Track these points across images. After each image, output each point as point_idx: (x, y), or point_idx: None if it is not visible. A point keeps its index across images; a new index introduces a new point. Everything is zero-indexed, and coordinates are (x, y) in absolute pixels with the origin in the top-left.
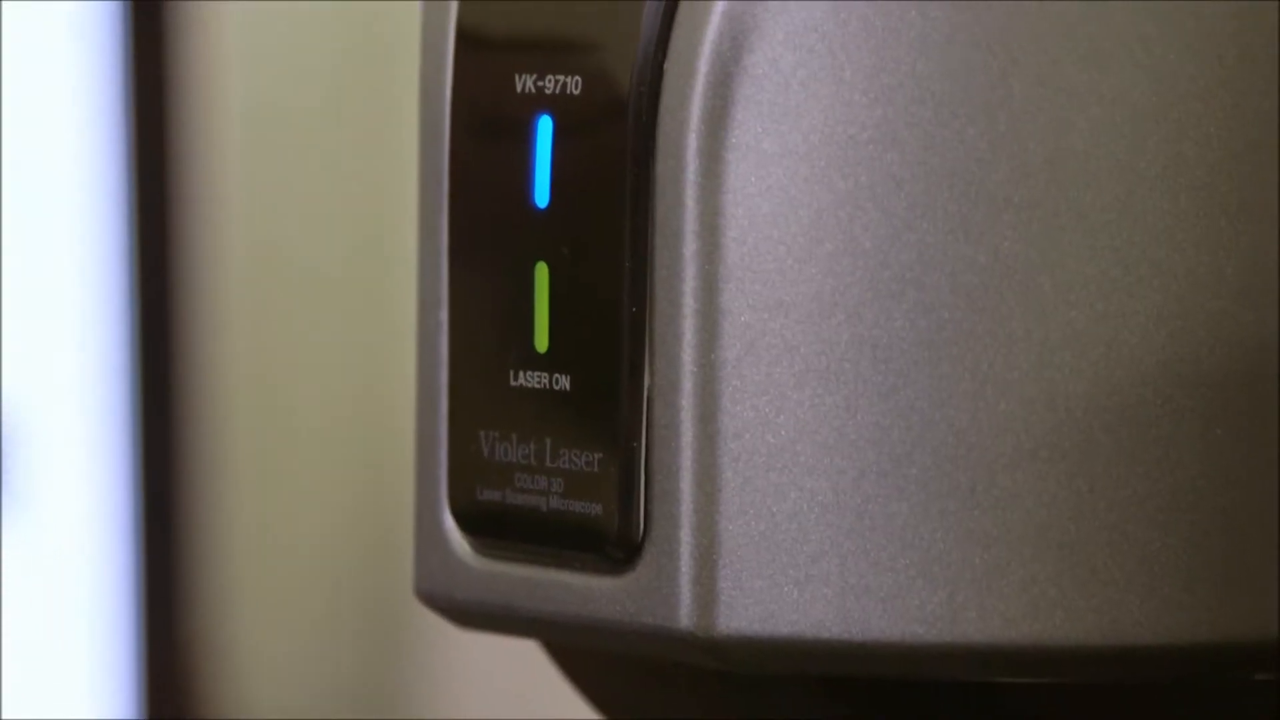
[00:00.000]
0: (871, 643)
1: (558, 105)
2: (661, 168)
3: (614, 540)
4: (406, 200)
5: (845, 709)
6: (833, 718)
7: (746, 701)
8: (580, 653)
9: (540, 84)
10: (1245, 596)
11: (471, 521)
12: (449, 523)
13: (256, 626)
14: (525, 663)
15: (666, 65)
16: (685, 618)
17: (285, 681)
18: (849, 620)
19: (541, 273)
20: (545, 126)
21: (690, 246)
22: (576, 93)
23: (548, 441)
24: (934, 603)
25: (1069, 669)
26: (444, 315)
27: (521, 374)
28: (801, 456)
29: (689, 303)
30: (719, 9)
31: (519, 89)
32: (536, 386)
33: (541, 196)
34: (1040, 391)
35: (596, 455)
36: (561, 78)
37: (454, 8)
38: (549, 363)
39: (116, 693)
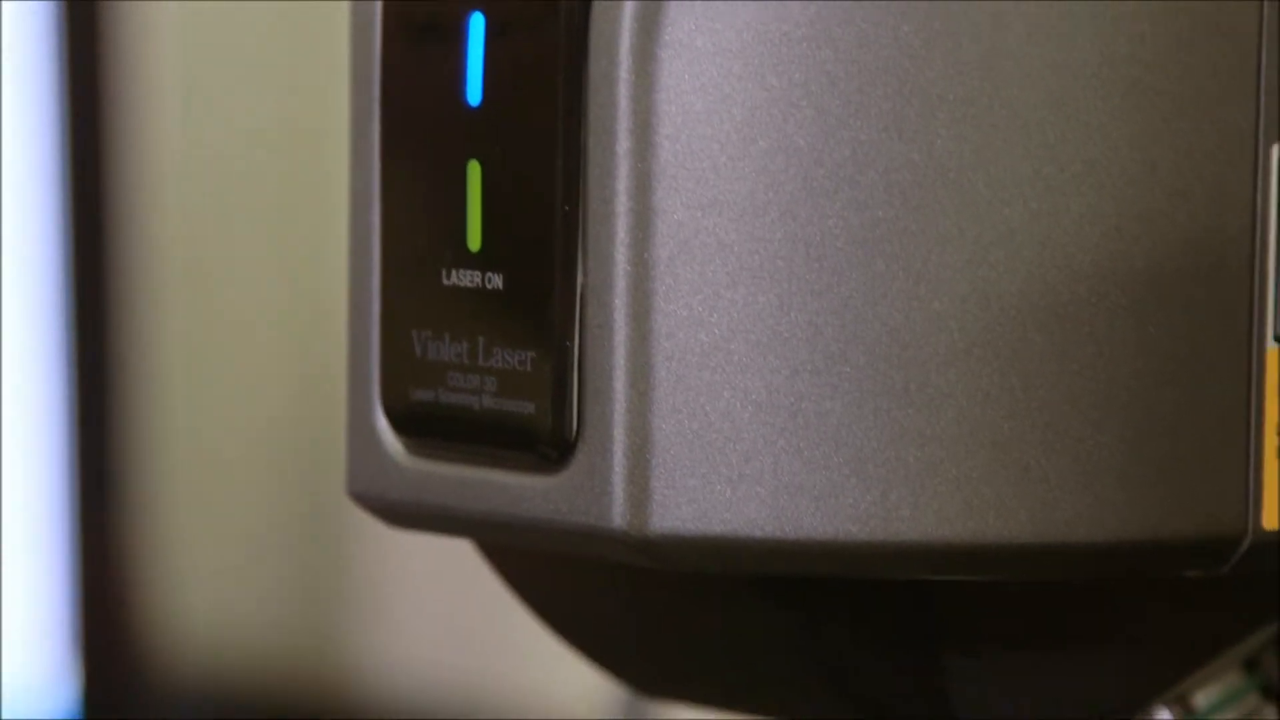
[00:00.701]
0: (805, 541)
1: (489, 2)
2: (594, 65)
3: (547, 439)
4: (340, 100)
5: (780, 608)
6: (767, 617)
7: (681, 601)
8: (514, 552)
9: None
10: (1178, 494)
11: (404, 421)
12: (382, 423)
13: (191, 531)
14: (461, 563)
15: None
16: (618, 516)
17: (221, 585)
18: (782, 519)
19: (474, 171)
20: (477, 24)
21: (623, 145)
22: None
23: (480, 340)
24: (867, 501)
25: (1003, 567)
26: (376, 215)
27: (454, 273)
28: (735, 355)
29: (622, 201)
30: None
31: None
32: (469, 286)
33: (474, 95)
34: (974, 290)
35: (529, 354)
36: None
37: None
38: (481, 261)
39: (51, 602)
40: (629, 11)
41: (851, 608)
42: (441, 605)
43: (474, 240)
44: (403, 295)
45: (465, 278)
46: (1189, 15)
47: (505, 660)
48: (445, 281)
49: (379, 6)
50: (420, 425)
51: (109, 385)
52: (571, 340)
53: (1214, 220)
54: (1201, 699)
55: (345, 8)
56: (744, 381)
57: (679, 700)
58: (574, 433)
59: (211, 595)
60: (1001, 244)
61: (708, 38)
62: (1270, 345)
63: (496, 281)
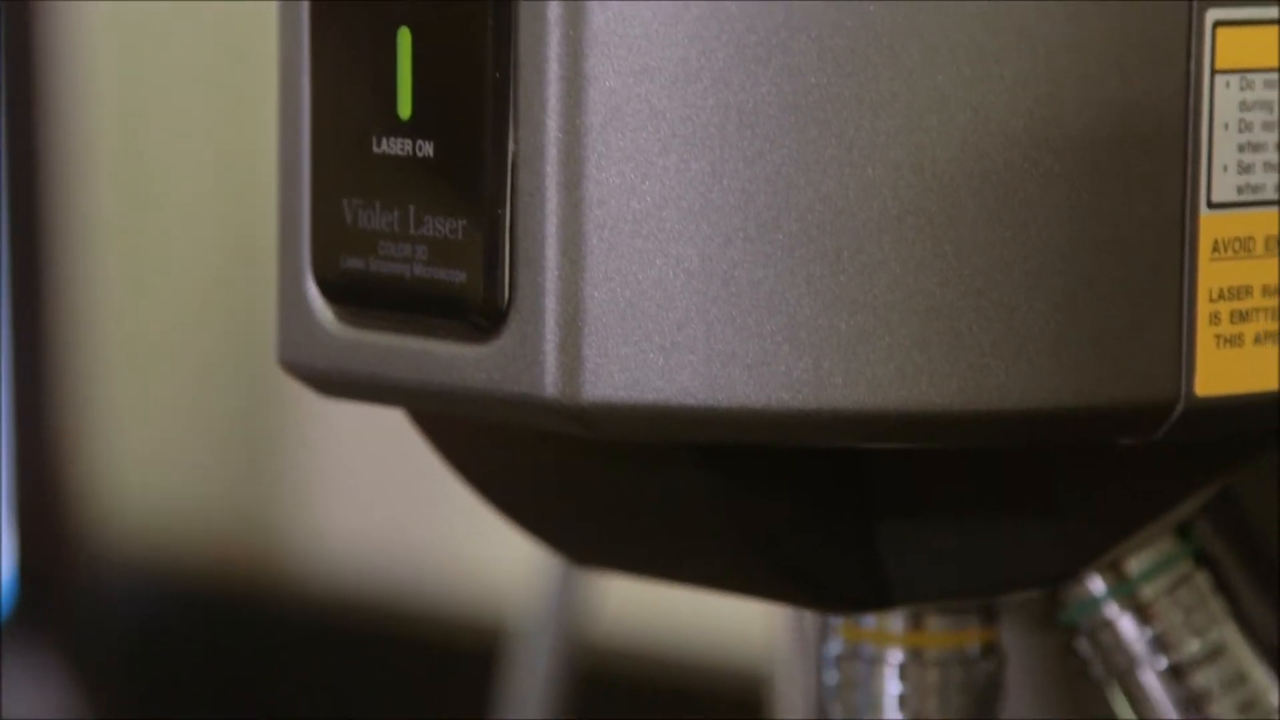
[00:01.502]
0: (737, 409)
1: None
2: None
3: (478, 308)
4: None
5: (712, 478)
6: (700, 487)
7: (614, 470)
8: (447, 422)
9: None
10: (1111, 360)
11: (335, 290)
12: (313, 291)
13: (125, 405)
14: (395, 434)
15: None
16: (550, 385)
17: (155, 460)
18: (715, 387)
19: (404, 38)
20: None
21: (554, 10)
22: None
23: (411, 209)
24: (800, 369)
25: (935, 434)
26: (306, 83)
27: (384, 141)
28: (667, 223)
29: (553, 68)
30: None
31: None
32: (399, 154)
33: None
34: (907, 156)
35: (460, 222)
36: None
37: None
38: (412, 129)
39: None
40: None
41: (785, 478)
42: (376, 477)
43: (404, 108)
44: (333, 164)
45: (396, 146)
46: None
47: (440, 531)
48: (376, 149)
49: None
50: (351, 294)
51: (41, 262)
52: (503, 208)
53: (1148, 86)
54: (1134, 566)
55: None
56: (676, 249)
57: (612, 569)
58: (505, 301)
59: (146, 470)
60: (934, 110)
61: None
62: (1204, 212)
63: (427, 149)
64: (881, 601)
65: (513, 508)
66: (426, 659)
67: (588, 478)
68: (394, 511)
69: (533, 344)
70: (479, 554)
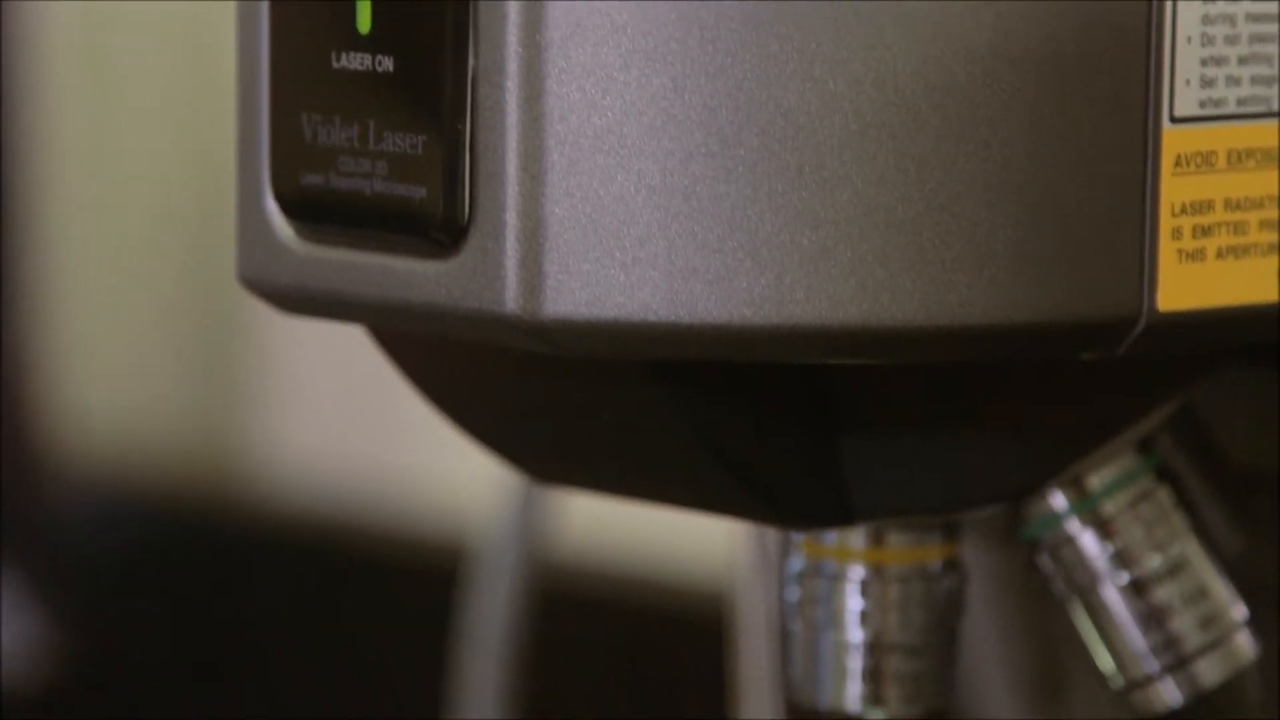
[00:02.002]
0: (699, 325)
1: None
2: None
3: (438, 224)
4: None
5: (675, 394)
6: (662, 403)
7: (576, 386)
8: (409, 339)
9: None
10: (1073, 276)
11: (294, 206)
12: (272, 208)
13: (87, 323)
14: (358, 352)
15: None
16: (511, 301)
17: (118, 377)
18: (676, 303)
19: None
20: None
21: None
22: None
23: (371, 124)
24: (761, 285)
25: (897, 350)
26: None
27: (343, 56)
28: (628, 138)
29: None
30: None
31: None
32: (359, 69)
33: None
34: (868, 71)
35: (420, 138)
36: None
37: None
38: (371, 44)
39: None
40: None
41: (746, 393)
42: (338, 394)
43: (363, 22)
44: (292, 79)
45: (355, 60)
46: None
47: (401, 448)
48: (335, 64)
49: None
50: (311, 210)
51: (1, 178)
52: (463, 124)
53: (1109, 1)
54: (1095, 481)
55: None
56: (637, 165)
57: (574, 486)
58: (465, 217)
59: (108, 388)
60: (896, 24)
61: None
62: (1166, 126)
63: (387, 64)
64: (843, 517)
65: (474, 424)
66: (388, 575)
67: (549, 394)
68: (356, 428)
69: (493, 260)
70: (440, 470)
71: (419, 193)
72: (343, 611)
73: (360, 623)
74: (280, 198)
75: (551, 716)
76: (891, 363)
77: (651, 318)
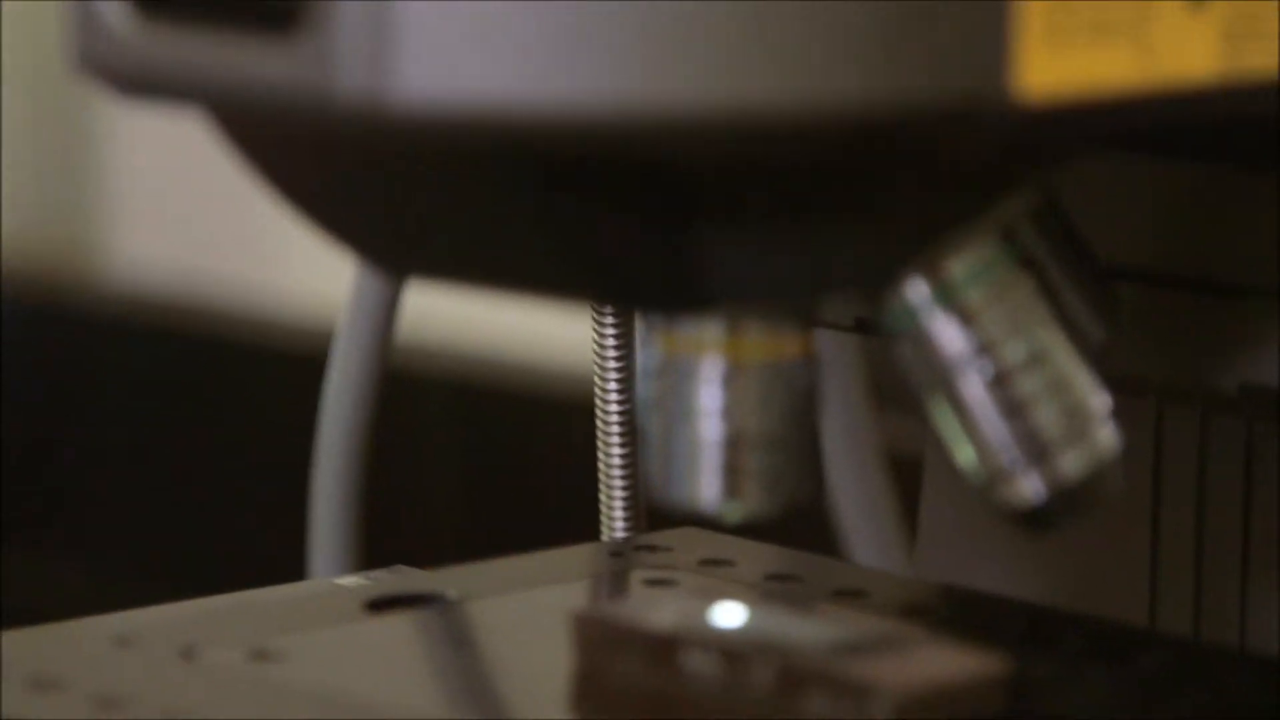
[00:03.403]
0: (546, 112)
1: None
2: None
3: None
4: None
5: (527, 184)
6: (514, 193)
7: (429, 176)
8: (251, 127)
9: None
10: (934, 61)
11: None
12: None
13: None
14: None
15: None
16: (355, 83)
17: None
18: (524, 89)
19: None
20: None
21: None
22: None
23: None
24: (614, 70)
25: (754, 139)
26: None
27: None
28: None
29: None
30: None
31: None
32: None
33: None
34: None
35: None
36: None
37: None
38: None
39: None
40: None
41: (600, 177)
42: (187, 187)
43: None
44: None
45: None
46: None
47: (253, 240)
48: None
49: None
50: None
51: None
52: None
53: None
54: (957, 271)
55: None
56: None
57: (428, 274)
58: None
59: None
60: None
61: None
62: None
63: None
64: (698, 303)
65: (324, 216)
66: (242, 368)
67: (397, 181)
68: (206, 221)
69: (337, 40)
70: (293, 261)
71: None
72: (200, 401)
73: (217, 412)
74: None
75: (411, 506)
76: (749, 152)
77: (498, 103)
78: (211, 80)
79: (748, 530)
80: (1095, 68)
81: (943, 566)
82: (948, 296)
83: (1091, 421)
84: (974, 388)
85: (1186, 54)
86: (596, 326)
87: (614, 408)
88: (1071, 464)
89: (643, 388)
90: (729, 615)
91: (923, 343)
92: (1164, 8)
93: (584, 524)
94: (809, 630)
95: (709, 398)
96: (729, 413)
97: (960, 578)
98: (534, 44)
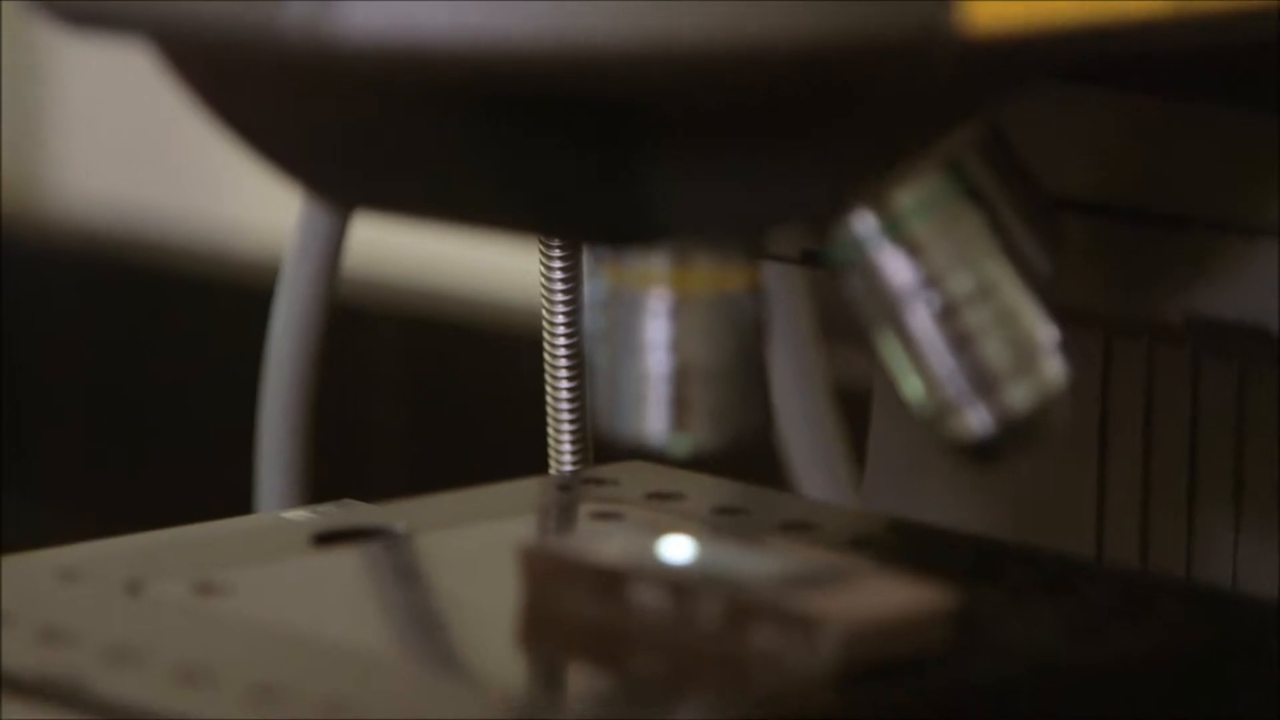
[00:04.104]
0: (485, 50)
1: None
2: None
3: None
4: None
5: (471, 113)
6: (458, 122)
7: (378, 111)
8: (195, 56)
9: None
10: None
11: None
12: None
13: None
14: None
15: None
16: (299, 13)
17: None
18: (462, 28)
19: None
20: None
21: None
22: None
23: None
24: (550, 8)
25: (697, 76)
26: None
27: None
28: None
29: None
30: None
31: None
32: None
33: None
34: None
35: None
36: None
37: None
38: None
39: None
40: None
41: (546, 111)
42: (132, 122)
43: None
44: None
45: None
46: None
47: (201, 174)
48: None
49: None
50: None
51: None
52: None
53: None
54: (904, 203)
55: None
56: None
57: (375, 208)
58: None
59: None
60: None
61: None
62: None
63: None
64: (647, 236)
65: (269, 149)
66: (188, 300)
67: (342, 113)
68: (153, 153)
69: None
70: (240, 194)
71: None
72: (147, 335)
73: (165, 345)
74: None
75: (358, 440)
76: (690, 86)
77: (437, 42)
78: (156, 11)
79: (695, 463)
80: (1038, 3)
81: (890, 499)
82: (895, 229)
83: (1038, 354)
84: (921, 320)
85: None
86: (544, 259)
87: (561, 341)
88: (1018, 396)
89: (590, 321)
90: (677, 548)
91: (870, 275)
92: None
93: (532, 458)
94: (757, 563)
95: (656, 331)
96: (676, 345)
97: (908, 510)
98: None
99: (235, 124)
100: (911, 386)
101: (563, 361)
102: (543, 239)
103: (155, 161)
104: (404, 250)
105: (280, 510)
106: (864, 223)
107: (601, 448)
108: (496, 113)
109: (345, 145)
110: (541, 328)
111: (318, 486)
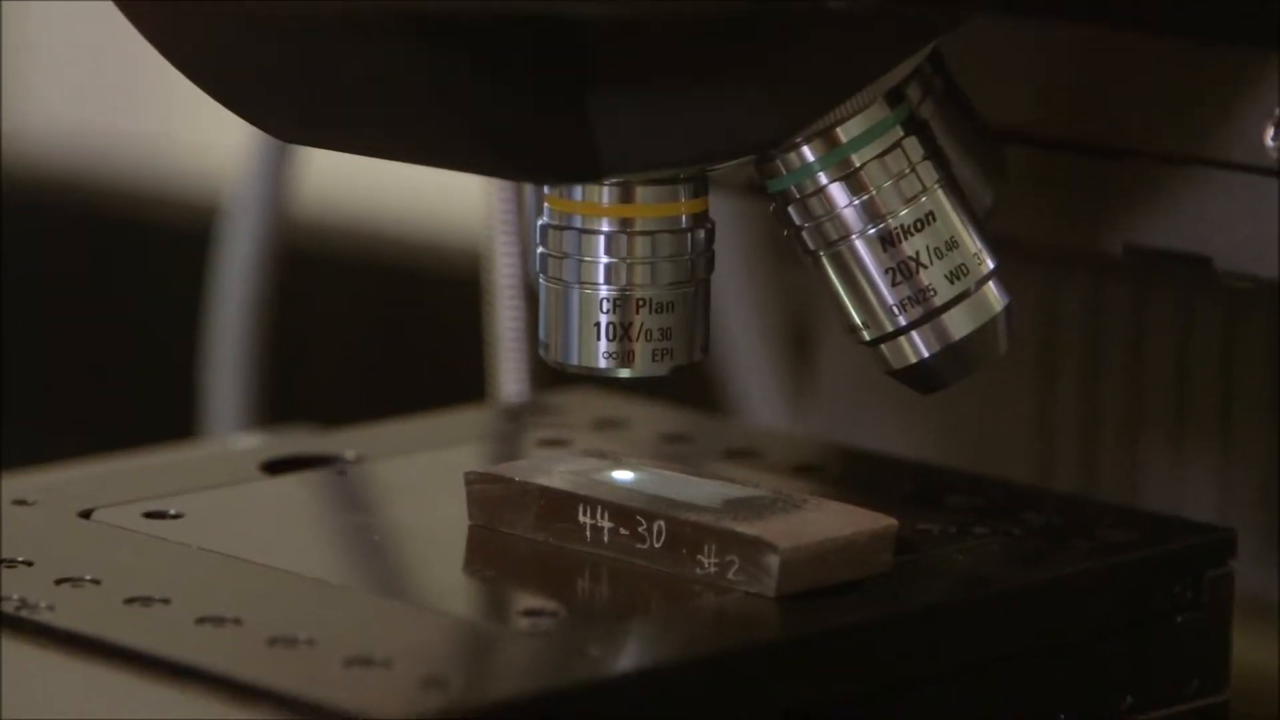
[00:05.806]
0: None
1: None
2: None
3: None
4: None
5: (419, 46)
6: (406, 55)
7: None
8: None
9: None
10: None
11: None
12: None
13: None
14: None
15: None
16: None
17: None
18: None
19: None
20: None
21: None
22: None
23: None
24: None
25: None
26: None
27: None
28: None
29: None
30: None
31: None
32: None
33: None
34: None
35: None
36: None
37: None
38: None
39: None
40: None
41: (493, 45)
42: (84, 60)
43: None
44: None
45: None
46: None
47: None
48: None
49: None
50: None
51: None
52: None
53: None
54: (844, 133)
55: None
56: None
57: (323, 144)
58: None
59: None
60: None
61: None
62: None
63: None
64: (592, 171)
65: (219, 86)
66: (138, 237)
67: (293, 52)
68: (102, 86)
69: None
70: (191, 131)
71: None
72: (95, 271)
73: (111, 275)
74: None
75: (307, 370)
76: (636, 13)
77: None
78: None
79: (640, 390)
80: None
81: (833, 426)
82: (835, 158)
83: (978, 281)
84: (861, 249)
85: None
86: (489, 189)
87: (506, 270)
88: (958, 322)
89: (534, 251)
90: (622, 474)
91: (811, 204)
92: None
93: (479, 386)
94: (701, 489)
95: (599, 259)
96: (618, 273)
97: (850, 437)
98: None
99: (183, 56)
100: (852, 314)
101: (507, 291)
102: (487, 174)
103: (105, 93)
104: (352, 178)
105: (230, 438)
106: (804, 152)
107: (547, 376)
108: (441, 43)
109: (292, 79)
110: (486, 257)
111: (266, 414)
